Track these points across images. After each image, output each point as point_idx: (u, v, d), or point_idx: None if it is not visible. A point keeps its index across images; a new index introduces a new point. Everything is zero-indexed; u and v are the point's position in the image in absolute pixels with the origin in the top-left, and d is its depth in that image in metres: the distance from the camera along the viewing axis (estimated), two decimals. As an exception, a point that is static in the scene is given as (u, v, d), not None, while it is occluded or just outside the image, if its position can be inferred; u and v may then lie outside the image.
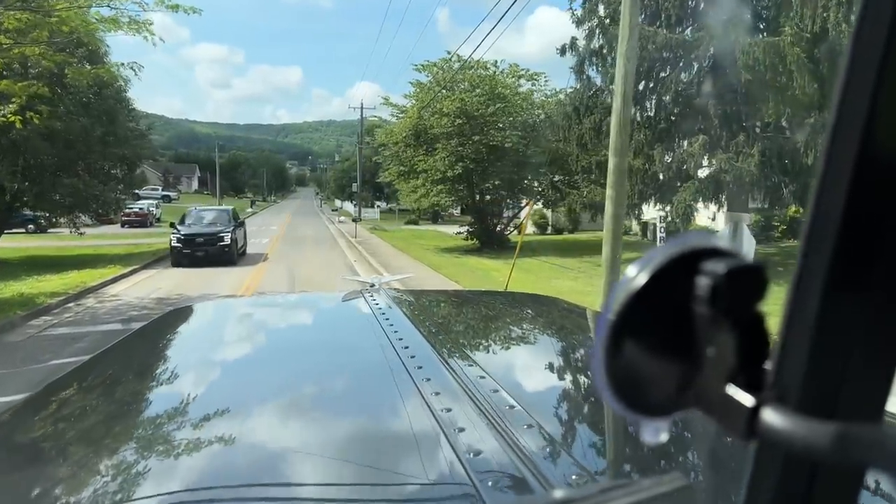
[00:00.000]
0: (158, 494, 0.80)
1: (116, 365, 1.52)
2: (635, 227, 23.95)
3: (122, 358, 1.59)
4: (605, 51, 16.89)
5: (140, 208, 39.67)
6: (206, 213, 19.39)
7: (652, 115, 16.69)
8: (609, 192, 8.34)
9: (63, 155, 16.48)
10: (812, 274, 0.32)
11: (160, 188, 66.72)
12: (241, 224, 20.40)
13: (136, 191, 62.70)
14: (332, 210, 66.22)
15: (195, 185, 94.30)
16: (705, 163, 15.48)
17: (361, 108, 47.22)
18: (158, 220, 43.23)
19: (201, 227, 18.09)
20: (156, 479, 0.85)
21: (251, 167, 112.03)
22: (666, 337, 0.34)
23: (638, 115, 15.95)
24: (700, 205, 15.69)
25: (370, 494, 0.81)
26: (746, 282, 0.33)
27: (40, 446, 1.09)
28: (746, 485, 0.35)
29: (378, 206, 56.96)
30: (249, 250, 21.87)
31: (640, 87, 15.61)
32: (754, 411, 0.32)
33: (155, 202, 45.16)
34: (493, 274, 15.24)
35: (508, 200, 24.39)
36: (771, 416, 0.31)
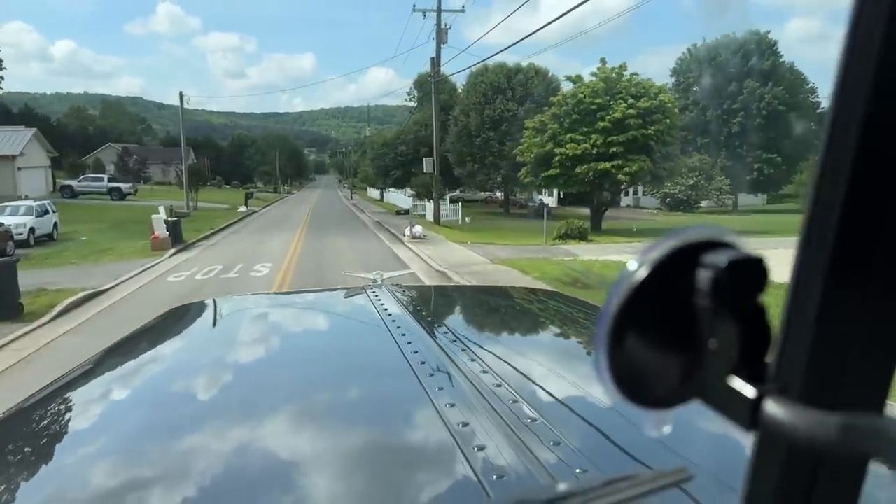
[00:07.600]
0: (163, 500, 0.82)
1: (120, 363, 1.52)
2: None
3: (124, 357, 1.57)
4: None
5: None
6: None
7: None
8: None
9: None
10: (813, 265, 0.31)
11: (105, 178, 42.72)
12: None
13: (69, 182, 40.29)
14: (397, 212, 36.18)
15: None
16: None
17: (438, 8, 24.42)
18: (52, 238, 21.13)
19: None
20: (160, 484, 0.86)
21: (260, 151, 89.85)
22: (667, 330, 0.34)
23: None
24: None
25: (378, 495, 0.82)
26: (747, 274, 0.32)
27: (41, 446, 1.07)
28: (749, 476, 0.35)
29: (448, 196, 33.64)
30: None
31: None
32: (756, 402, 0.32)
33: (39, 205, 22.15)
34: None
35: None
36: (773, 408, 0.31)
